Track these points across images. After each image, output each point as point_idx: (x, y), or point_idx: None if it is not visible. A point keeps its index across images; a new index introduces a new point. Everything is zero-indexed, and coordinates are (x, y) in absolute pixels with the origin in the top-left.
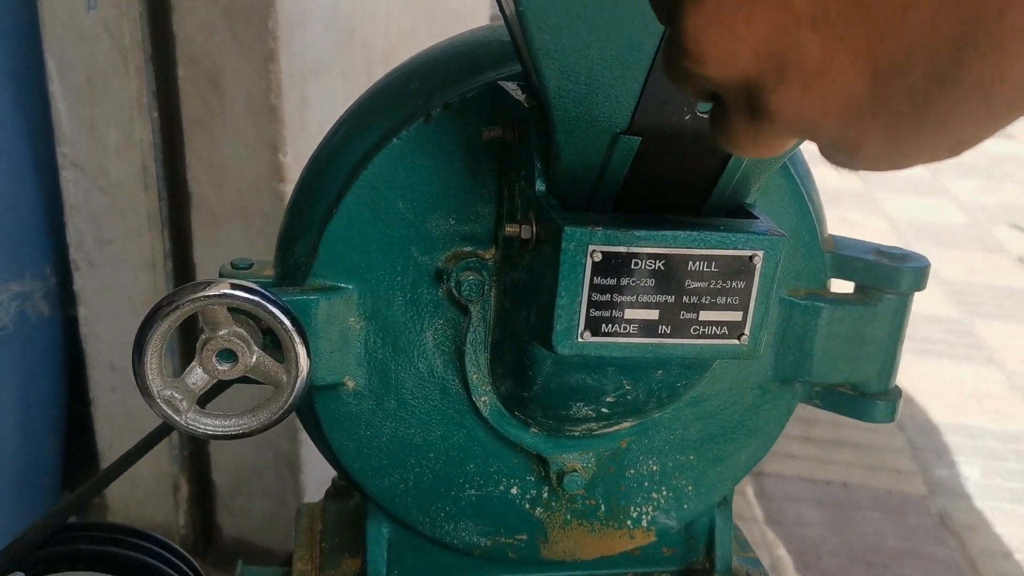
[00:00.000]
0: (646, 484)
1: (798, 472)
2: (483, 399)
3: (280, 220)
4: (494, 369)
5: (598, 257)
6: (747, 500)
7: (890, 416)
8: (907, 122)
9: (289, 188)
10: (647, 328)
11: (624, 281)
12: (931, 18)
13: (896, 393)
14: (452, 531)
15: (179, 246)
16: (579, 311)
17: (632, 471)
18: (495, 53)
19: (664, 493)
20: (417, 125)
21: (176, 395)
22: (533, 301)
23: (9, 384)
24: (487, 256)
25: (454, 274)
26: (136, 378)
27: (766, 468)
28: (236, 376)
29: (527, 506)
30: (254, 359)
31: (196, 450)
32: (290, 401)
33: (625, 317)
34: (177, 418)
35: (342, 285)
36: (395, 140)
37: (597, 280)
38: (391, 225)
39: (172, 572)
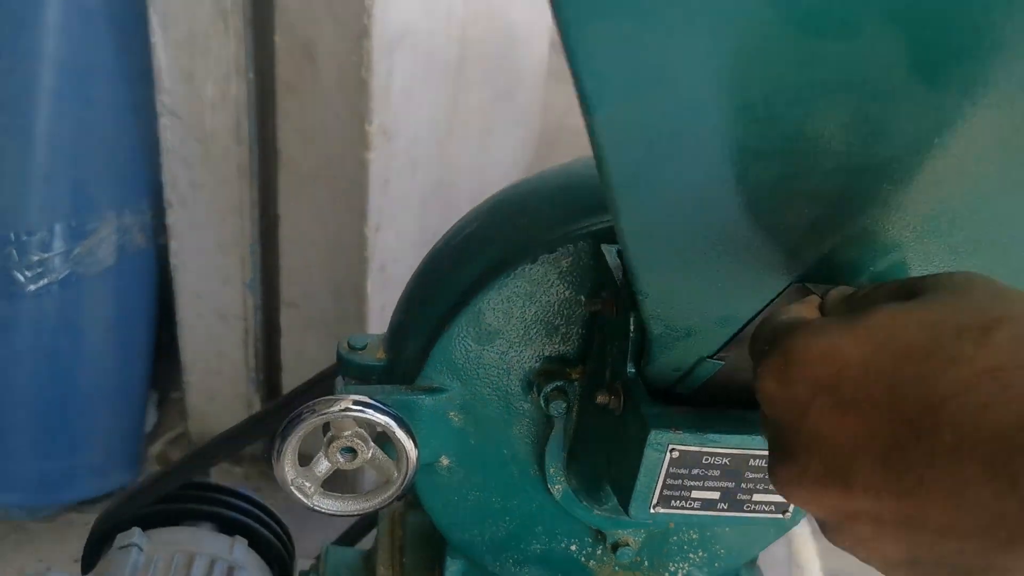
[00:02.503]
0: (685, 547)
1: None
2: (557, 487)
3: (362, 184)
4: (569, 466)
5: (676, 454)
6: None
7: None
8: None
9: (373, 156)
10: (709, 504)
11: (695, 471)
12: (958, 551)
13: None
14: (517, 574)
15: (265, 197)
16: (654, 490)
17: (675, 538)
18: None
19: (700, 554)
20: (524, 265)
21: (306, 483)
22: (613, 452)
23: (111, 308)
24: (574, 375)
25: (544, 391)
26: (274, 470)
27: None
28: (355, 467)
29: (583, 559)
30: (370, 454)
31: (268, 376)
32: (400, 491)
33: (692, 496)
34: (306, 501)
35: (446, 387)
36: (502, 278)
37: (672, 469)
38: (493, 342)
39: (270, 535)
